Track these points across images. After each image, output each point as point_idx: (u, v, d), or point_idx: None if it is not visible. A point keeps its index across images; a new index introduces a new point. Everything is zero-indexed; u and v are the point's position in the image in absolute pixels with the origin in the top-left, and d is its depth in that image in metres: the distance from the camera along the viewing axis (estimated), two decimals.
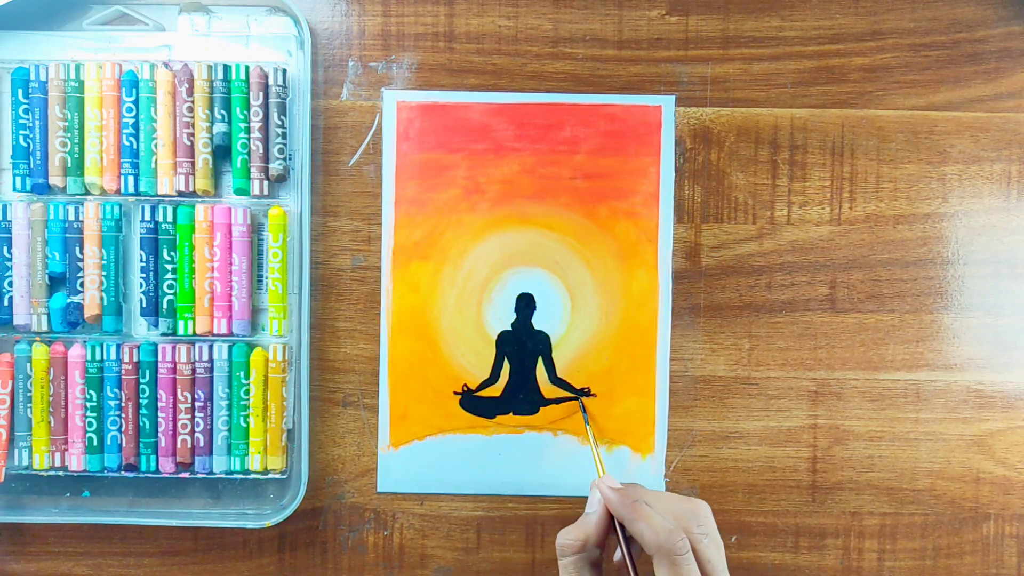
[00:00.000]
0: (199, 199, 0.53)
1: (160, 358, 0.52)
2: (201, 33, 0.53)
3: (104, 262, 0.52)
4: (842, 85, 0.54)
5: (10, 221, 0.52)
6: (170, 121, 0.52)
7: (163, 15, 0.53)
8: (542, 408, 0.54)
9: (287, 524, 0.54)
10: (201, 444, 0.52)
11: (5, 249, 0.52)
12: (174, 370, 0.52)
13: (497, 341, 0.54)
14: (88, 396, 0.52)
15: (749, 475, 0.54)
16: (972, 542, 0.54)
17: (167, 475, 0.52)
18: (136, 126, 0.52)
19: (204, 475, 0.53)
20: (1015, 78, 0.54)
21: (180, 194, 0.53)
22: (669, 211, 0.54)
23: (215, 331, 0.52)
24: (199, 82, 0.52)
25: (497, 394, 0.54)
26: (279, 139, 0.52)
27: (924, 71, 0.54)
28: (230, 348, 0.52)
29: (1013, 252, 0.54)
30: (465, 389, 0.54)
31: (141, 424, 0.52)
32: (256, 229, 0.53)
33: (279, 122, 0.52)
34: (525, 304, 0.54)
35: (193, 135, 0.52)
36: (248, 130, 0.52)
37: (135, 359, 0.52)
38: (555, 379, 0.54)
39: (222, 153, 0.53)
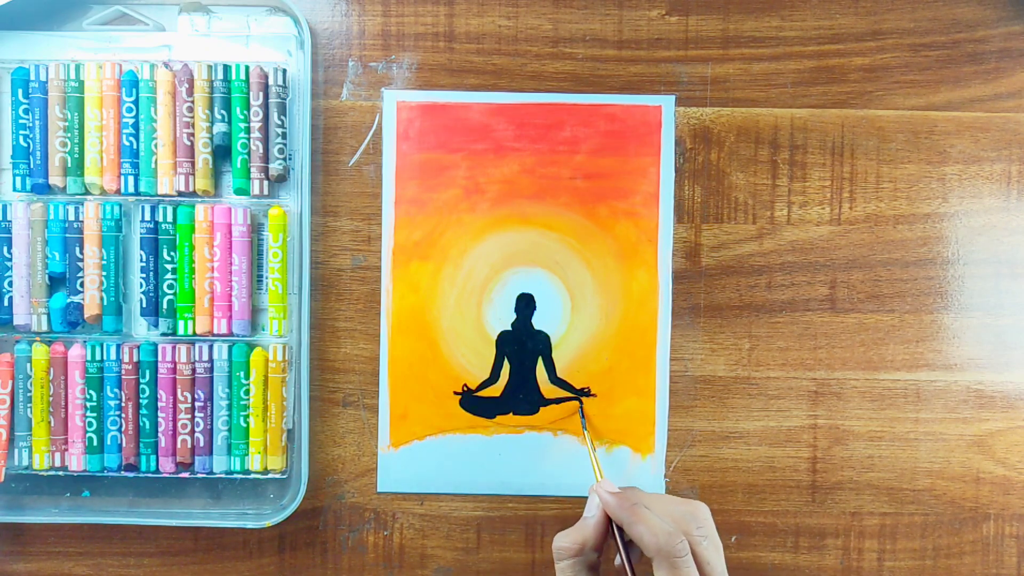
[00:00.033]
0: (199, 199, 0.53)
1: (160, 358, 0.52)
2: (201, 33, 0.53)
3: (104, 262, 0.52)
4: (842, 85, 0.54)
5: (10, 221, 0.52)
6: (170, 121, 0.52)
7: (163, 15, 0.53)
8: (542, 408, 0.54)
9: (287, 524, 0.54)
10: (201, 444, 0.52)
11: (5, 249, 0.52)
12: (174, 370, 0.52)
13: (497, 341, 0.54)
14: (88, 396, 0.52)
15: (749, 475, 0.54)
16: (972, 542, 0.54)
17: (167, 475, 0.52)
18: (136, 126, 0.52)
19: (204, 475, 0.53)
20: (1015, 78, 0.54)
21: (180, 194, 0.53)
22: (669, 211, 0.54)
23: (215, 331, 0.52)
24: (199, 82, 0.52)
25: (497, 394, 0.54)
26: (279, 139, 0.52)
27: (924, 71, 0.54)
28: (230, 348, 0.52)
29: (1013, 252, 0.54)
30: (465, 389, 0.54)
31: (141, 424, 0.52)
32: (256, 229, 0.53)
33: (279, 122, 0.52)
34: (525, 304, 0.54)
35: (193, 135, 0.52)
36: (248, 130, 0.52)
37: (135, 359, 0.52)
38: (555, 379, 0.54)
39: (222, 153, 0.53)
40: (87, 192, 0.52)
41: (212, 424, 0.53)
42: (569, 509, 0.54)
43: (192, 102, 0.52)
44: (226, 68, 0.52)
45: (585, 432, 0.53)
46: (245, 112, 0.52)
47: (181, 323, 0.52)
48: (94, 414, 0.52)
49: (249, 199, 0.53)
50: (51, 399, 0.52)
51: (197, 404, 0.52)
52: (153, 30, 0.53)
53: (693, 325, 0.54)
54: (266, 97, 0.52)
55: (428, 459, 0.54)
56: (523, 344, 0.54)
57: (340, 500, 0.54)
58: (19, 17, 0.53)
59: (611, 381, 0.54)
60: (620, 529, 0.44)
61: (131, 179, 0.52)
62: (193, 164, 0.52)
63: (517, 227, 0.54)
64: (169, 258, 0.52)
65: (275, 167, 0.52)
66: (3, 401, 0.52)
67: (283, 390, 0.53)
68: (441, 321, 0.54)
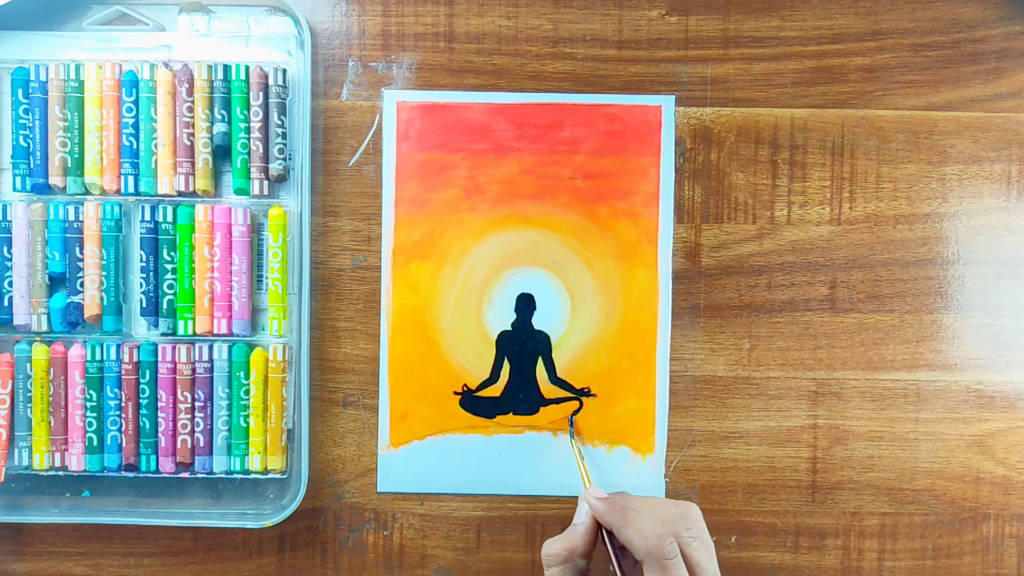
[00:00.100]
0: (199, 199, 0.53)
1: (160, 358, 0.52)
2: (201, 33, 0.53)
3: (104, 262, 0.52)
4: (842, 85, 0.54)
5: (10, 221, 0.52)
6: (170, 121, 0.52)
7: (163, 15, 0.53)
8: (542, 408, 0.54)
9: (287, 524, 0.54)
10: (201, 444, 0.52)
11: (5, 249, 0.52)
12: (174, 370, 0.52)
13: (497, 341, 0.54)
14: (88, 396, 0.52)
15: (749, 475, 0.54)
16: (972, 542, 0.54)
17: (167, 475, 0.52)
18: (136, 126, 0.52)
19: (204, 475, 0.53)
20: (1015, 78, 0.54)
21: (180, 194, 0.53)
22: (669, 211, 0.54)
23: (215, 331, 0.52)
24: (199, 82, 0.52)
25: (497, 394, 0.54)
26: (279, 139, 0.52)
27: (924, 71, 0.54)
28: (230, 348, 0.52)
29: (1013, 252, 0.54)
30: (465, 389, 0.54)
31: (141, 424, 0.52)
32: (256, 229, 0.53)
33: (279, 122, 0.52)
34: (525, 304, 0.54)
35: (193, 135, 0.52)
36: (248, 130, 0.52)
37: (135, 359, 0.52)
38: (555, 379, 0.54)
39: (222, 153, 0.53)
40: (87, 192, 0.52)
41: (212, 424, 0.53)
42: (569, 509, 0.54)
43: (192, 102, 0.52)
44: (226, 68, 0.52)
45: (572, 440, 0.53)
46: (245, 112, 0.52)
47: (181, 323, 0.52)
48: (94, 414, 0.52)
49: (249, 199, 0.53)
50: (51, 399, 0.52)
51: (197, 404, 0.52)
52: (153, 30, 0.53)
53: (693, 325, 0.54)
54: (266, 97, 0.52)
55: (428, 459, 0.54)
56: (523, 344, 0.54)
57: (340, 500, 0.54)
58: (19, 17, 0.52)
59: (611, 381, 0.54)
60: (611, 535, 0.44)
61: (131, 179, 0.52)
62: (193, 164, 0.52)
63: (517, 227, 0.54)
64: (169, 258, 0.52)
65: (275, 167, 0.52)
66: (3, 401, 0.52)
67: (283, 390, 0.53)
68: (441, 321, 0.54)
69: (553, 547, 0.44)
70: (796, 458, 0.54)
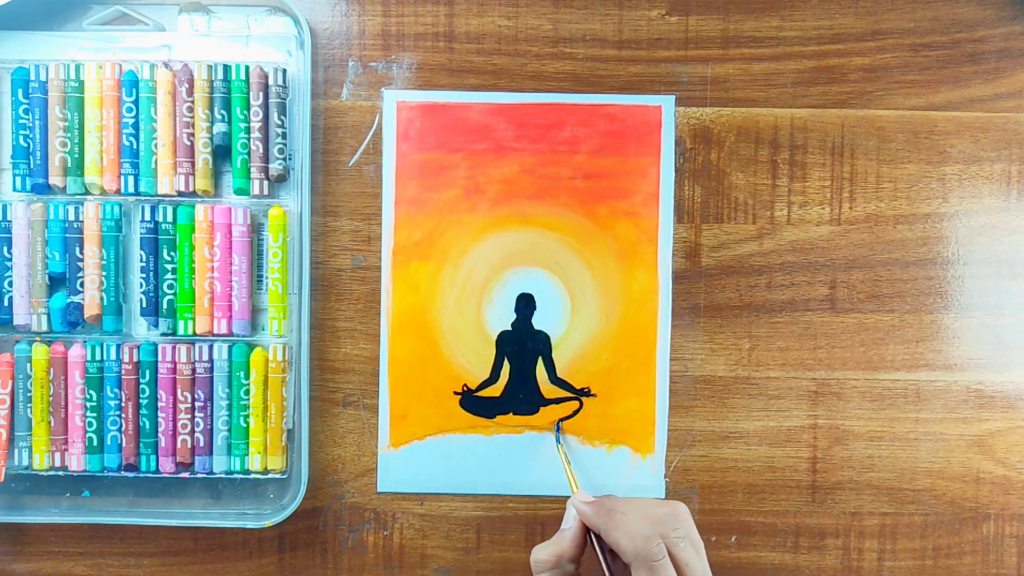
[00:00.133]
0: (199, 199, 0.53)
1: (160, 358, 0.52)
2: (201, 33, 0.53)
3: (104, 262, 0.52)
4: (842, 85, 0.54)
5: (10, 221, 0.52)
6: (170, 121, 0.52)
7: (163, 15, 0.53)
8: (542, 408, 0.54)
9: (287, 524, 0.53)
10: (201, 444, 0.52)
11: (5, 249, 0.52)
12: (174, 370, 0.52)
13: (497, 341, 0.54)
14: (88, 396, 0.52)
15: (749, 475, 0.54)
16: (972, 542, 0.54)
17: (167, 475, 0.52)
18: (136, 126, 0.52)
19: (204, 475, 0.53)
20: (1015, 78, 0.54)
21: (180, 194, 0.53)
22: (669, 211, 0.54)
23: (215, 331, 0.52)
24: (199, 82, 0.52)
25: (497, 394, 0.54)
26: (279, 139, 0.52)
27: (924, 71, 0.54)
28: (230, 348, 0.52)
29: (1013, 252, 0.54)
30: (465, 389, 0.54)
31: (141, 424, 0.52)
32: (256, 229, 0.53)
33: (279, 122, 0.52)
34: (525, 304, 0.54)
35: (193, 135, 0.52)
36: (248, 130, 0.52)
37: (135, 359, 0.52)
38: (555, 379, 0.54)
39: (222, 153, 0.53)
40: (87, 192, 0.52)
41: (212, 424, 0.53)
42: None
43: (192, 102, 0.52)
44: (226, 68, 0.52)
45: (559, 445, 0.53)
46: (245, 112, 0.52)
47: (181, 323, 0.52)
48: (94, 414, 0.52)
49: (249, 199, 0.53)
50: (51, 399, 0.52)
51: (197, 404, 0.52)
52: (153, 30, 0.53)
53: (693, 325, 0.54)
54: (266, 97, 0.52)
55: (428, 459, 0.54)
56: (523, 344, 0.54)
57: (340, 500, 0.54)
58: (19, 17, 0.53)
59: (611, 381, 0.54)
60: (600, 538, 0.44)
61: (131, 179, 0.52)
62: (193, 164, 0.52)
63: (517, 227, 0.54)
64: (169, 258, 0.52)
65: (275, 167, 0.52)
66: (3, 401, 0.52)
67: (283, 390, 0.53)
68: (441, 321, 0.54)
69: (542, 553, 0.44)
70: (796, 458, 0.54)
